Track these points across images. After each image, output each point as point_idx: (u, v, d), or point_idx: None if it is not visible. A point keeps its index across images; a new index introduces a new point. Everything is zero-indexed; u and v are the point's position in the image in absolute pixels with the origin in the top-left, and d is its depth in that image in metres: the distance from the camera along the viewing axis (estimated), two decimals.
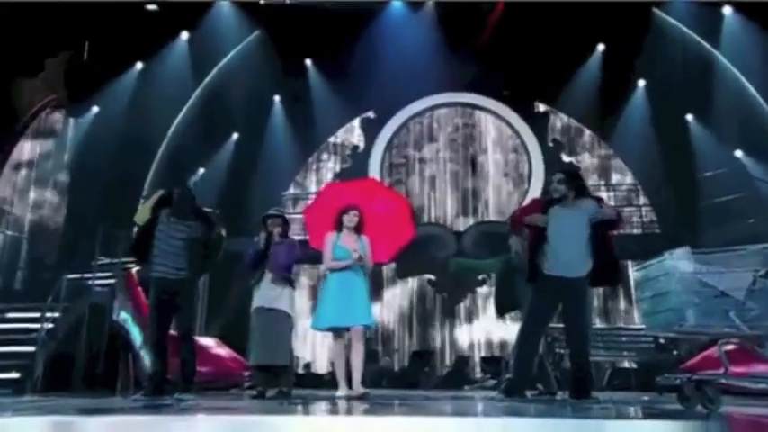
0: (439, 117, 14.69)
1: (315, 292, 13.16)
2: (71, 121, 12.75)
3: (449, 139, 14.51)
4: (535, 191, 13.03)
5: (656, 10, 12.14)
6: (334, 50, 12.39)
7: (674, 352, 7.92)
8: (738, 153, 11.52)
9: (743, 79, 11.67)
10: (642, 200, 13.28)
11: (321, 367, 12.21)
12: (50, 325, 7.60)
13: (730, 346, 4.02)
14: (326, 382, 10.11)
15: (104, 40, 11.91)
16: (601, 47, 12.92)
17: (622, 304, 12.45)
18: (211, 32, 12.47)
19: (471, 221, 13.43)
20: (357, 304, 4.79)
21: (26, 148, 12.43)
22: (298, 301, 5.36)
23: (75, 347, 7.76)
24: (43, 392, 6.60)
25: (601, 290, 12.10)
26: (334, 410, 3.52)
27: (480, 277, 12.73)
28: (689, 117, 12.35)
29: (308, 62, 13.70)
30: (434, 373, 11.51)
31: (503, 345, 12.05)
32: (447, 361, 12.38)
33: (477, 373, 11.26)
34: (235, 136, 13.64)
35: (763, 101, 11.49)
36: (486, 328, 12.70)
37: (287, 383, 5.19)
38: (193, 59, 12.58)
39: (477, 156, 14.29)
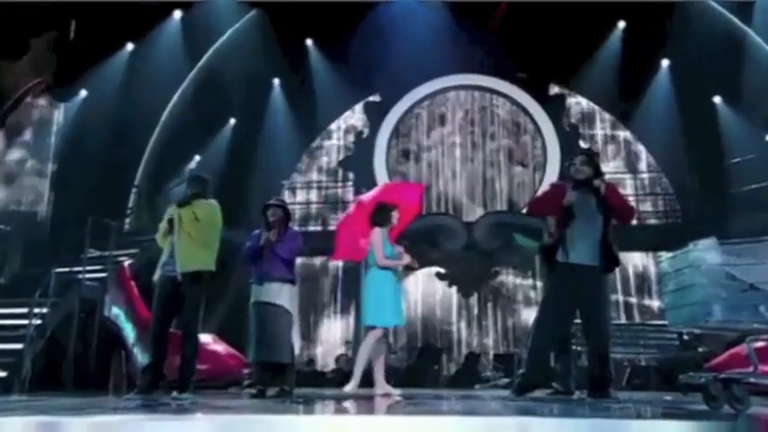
0: (448, 101, 14.63)
1: (311, 287, 13.21)
2: (59, 105, 12.76)
3: (458, 125, 14.46)
4: (550, 178, 12.99)
5: None
6: (337, 30, 12.33)
7: (699, 349, 7.91)
8: None
9: None
10: (665, 187, 13.22)
11: (324, 365, 12.25)
12: (39, 321, 7.63)
13: (760, 343, 4.00)
14: (329, 380, 10.17)
15: (92, 20, 11.87)
16: (621, 24, 12.81)
17: (644, 298, 12.43)
18: (206, 11, 12.42)
19: (483, 211, 13.40)
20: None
21: (11, 135, 12.46)
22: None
23: (65, 345, 7.80)
24: (31, 392, 6.65)
25: (620, 283, 12.10)
26: (340, 410, 3.53)
27: (492, 270, 12.72)
28: (717, 99, 12.25)
29: (309, 43, 13.66)
30: (443, 371, 11.54)
31: (516, 341, 12.06)
32: (457, 358, 12.40)
33: (489, 371, 11.27)
34: (232, 121, 13.65)
35: None
36: (498, 324, 12.72)
37: (289, 382, 5.23)
38: (187, 40, 12.50)
39: (489, 142, 14.24)
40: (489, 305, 12.90)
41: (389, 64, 12.52)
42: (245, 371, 6.89)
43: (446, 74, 14.10)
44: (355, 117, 14.73)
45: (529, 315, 12.73)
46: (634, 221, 4.47)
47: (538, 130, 13.84)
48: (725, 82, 11.75)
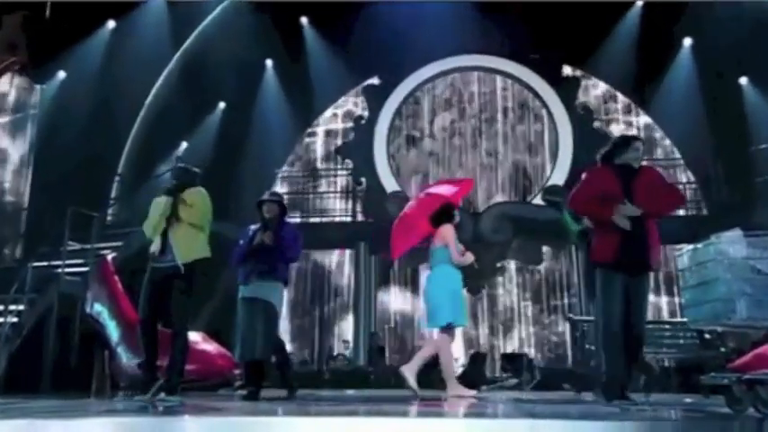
0: (453, 83, 14.60)
1: (305, 285, 13.23)
2: (35, 88, 12.71)
3: (464, 108, 14.42)
4: (562, 166, 12.97)
5: None
6: (334, 7, 12.27)
7: (722, 349, 7.90)
8: None
9: None
10: (686, 176, 13.20)
11: (321, 365, 12.27)
12: (15, 319, 7.65)
13: None
14: (326, 381, 10.18)
15: None
16: (640, 1, 12.74)
17: (662, 294, 12.44)
18: None
19: (490, 201, 13.39)
20: None
21: None
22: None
23: (43, 344, 7.81)
24: (7, 394, 6.67)
25: None
26: (350, 411, 3.54)
27: (498, 264, 12.72)
28: (743, 80, 12.24)
29: (304, 21, 13.60)
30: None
31: (525, 340, 12.09)
32: (461, 358, 12.41)
33: (496, 372, 11.31)
34: (221, 105, 13.61)
35: None
36: (506, 323, 12.74)
37: (289, 382, 5.42)
38: (173, 18, 12.44)
39: (497, 127, 14.21)
40: (497, 303, 12.91)
41: (390, 44, 12.47)
42: (236, 371, 6.91)
43: (450, 55, 14.04)
44: (353, 101, 14.69)
45: (535, 314, 12.76)
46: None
47: (549, 114, 13.81)
48: (751, 62, 11.71)
